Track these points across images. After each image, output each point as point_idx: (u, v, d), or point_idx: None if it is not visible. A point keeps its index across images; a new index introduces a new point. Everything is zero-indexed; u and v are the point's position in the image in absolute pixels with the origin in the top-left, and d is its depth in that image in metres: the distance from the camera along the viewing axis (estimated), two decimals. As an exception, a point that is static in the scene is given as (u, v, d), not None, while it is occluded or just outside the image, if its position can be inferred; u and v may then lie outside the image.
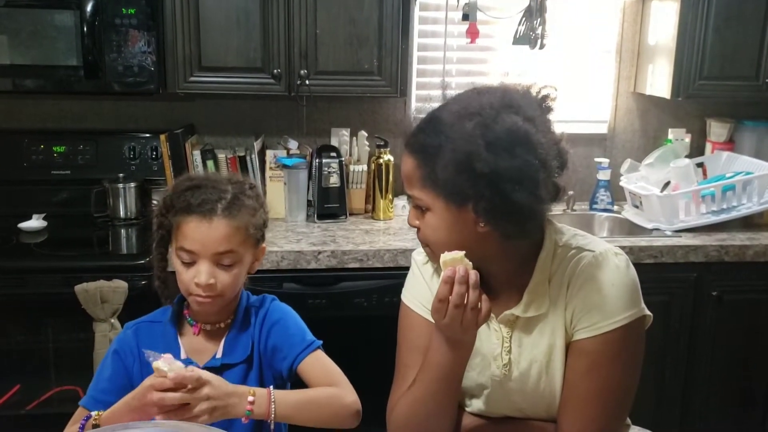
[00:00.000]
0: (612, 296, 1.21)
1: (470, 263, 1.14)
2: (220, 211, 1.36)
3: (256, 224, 1.42)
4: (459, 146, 1.15)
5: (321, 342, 1.45)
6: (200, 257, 1.36)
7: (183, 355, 1.42)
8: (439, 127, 1.19)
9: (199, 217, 1.35)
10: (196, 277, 1.35)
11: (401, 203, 2.89)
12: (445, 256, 1.15)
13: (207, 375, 1.23)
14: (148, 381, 1.23)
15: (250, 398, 1.28)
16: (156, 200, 2.80)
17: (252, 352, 1.44)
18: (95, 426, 1.27)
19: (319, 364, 1.42)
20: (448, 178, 1.16)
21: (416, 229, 1.29)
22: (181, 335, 1.45)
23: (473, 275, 1.12)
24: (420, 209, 1.25)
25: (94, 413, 1.29)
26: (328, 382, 1.39)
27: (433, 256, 1.27)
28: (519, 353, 1.28)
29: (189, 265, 1.37)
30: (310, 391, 1.39)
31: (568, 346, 1.25)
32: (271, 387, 1.34)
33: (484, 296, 1.14)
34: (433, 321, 1.21)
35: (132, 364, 1.43)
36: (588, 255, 1.25)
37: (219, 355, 1.43)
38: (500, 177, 1.13)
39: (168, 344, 1.42)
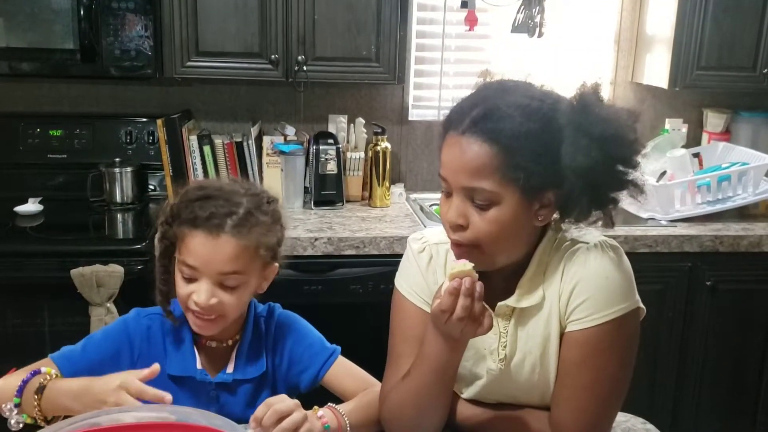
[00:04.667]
0: (606, 288, 1.21)
1: (476, 275, 1.11)
2: (229, 228, 1.25)
3: (267, 244, 1.31)
4: (553, 131, 1.13)
5: (340, 347, 1.40)
6: (202, 275, 1.26)
7: (199, 365, 1.34)
8: (524, 112, 1.13)
9: (205, 232, 1.24)
10: (195, 295, 1.26)
11: (398, 191, 2.89)
12: (453, 268, 1.11)
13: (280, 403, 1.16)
14: (116, 380, 1.13)
15: (320, 413, 1.23)
16: (153, 186, 2.82)
17: (267, 368, 1.37)
18: (40, 387, 1.19)
19: (346, 370, 1.38)
20: (539, 166, 1.12)
21: (457, 229, 1.17)
22: (195, 343, 1.35)
23: (479, 287, 1.10)
24: (479, 205, 1.15)
25: (45, 370, 1.22)
26: (362, 387, 1.35)
27: (484, 257, 1.17)
28: (514, 346, 1.28)
29: (190, 280, 1.27)
30: (357, 397, 1.33)
31: (562, 337, 1.25)
32: (331, 404, 1.28)
33: (488, 312, 1.12)
34: (428, 311, 1.20)
35: (130, 357, 1.34)
36: (582, 247, 1.24)
37: (230, 369, 1.35)
38: (605, 164, 1.13)
39: (184, 351, 1.34)
